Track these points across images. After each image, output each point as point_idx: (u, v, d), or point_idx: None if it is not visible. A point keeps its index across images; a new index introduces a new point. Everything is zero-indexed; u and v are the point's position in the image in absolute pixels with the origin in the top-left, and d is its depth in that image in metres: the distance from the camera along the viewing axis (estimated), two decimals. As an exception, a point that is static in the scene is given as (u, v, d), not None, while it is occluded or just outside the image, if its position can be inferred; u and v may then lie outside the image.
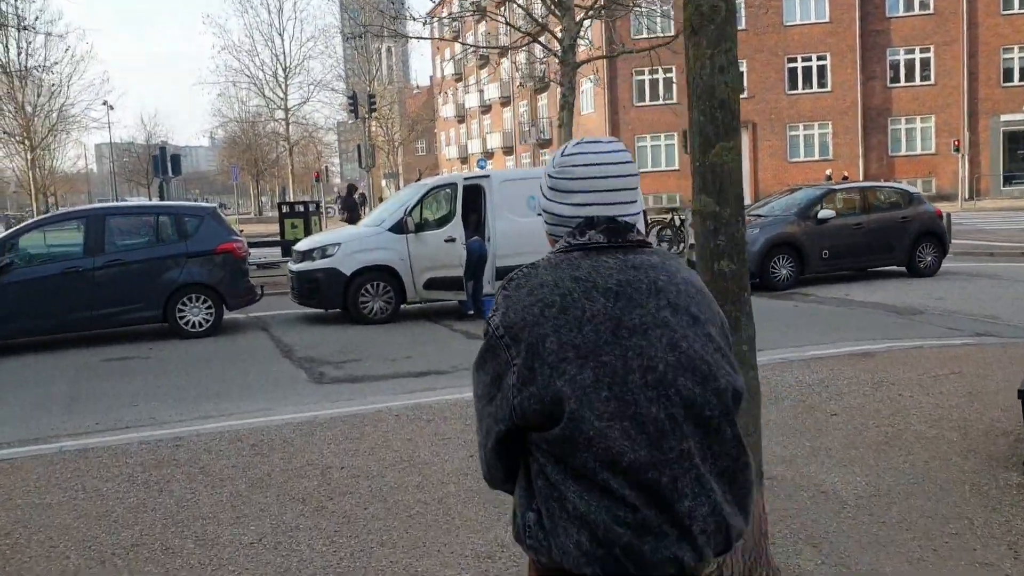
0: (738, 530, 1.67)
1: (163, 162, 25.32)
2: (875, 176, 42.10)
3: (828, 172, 40.70)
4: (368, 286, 12.06)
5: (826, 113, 42.89)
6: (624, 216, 1.73)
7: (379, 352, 10.04)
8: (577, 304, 1.60)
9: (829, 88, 42.88)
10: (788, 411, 6.32)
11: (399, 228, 12.11)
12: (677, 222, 20.33)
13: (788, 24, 42.97)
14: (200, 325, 11.55)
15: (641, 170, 42.05)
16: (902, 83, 42.44)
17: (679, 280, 1.69)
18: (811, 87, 43.20)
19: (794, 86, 43.12)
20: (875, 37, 42.27)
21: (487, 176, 12.54)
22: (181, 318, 11.49)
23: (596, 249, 1.68)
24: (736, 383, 1.68)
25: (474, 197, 12.59)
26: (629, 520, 1.56)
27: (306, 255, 12.37)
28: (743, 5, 39.39)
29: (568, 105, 20.36)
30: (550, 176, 1.78)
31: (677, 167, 43.16)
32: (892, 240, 14.49)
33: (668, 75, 41.80)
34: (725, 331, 1.74)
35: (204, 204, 14.27)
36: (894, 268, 14.98)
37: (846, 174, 41.15)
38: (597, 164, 1.72)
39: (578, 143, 1.76)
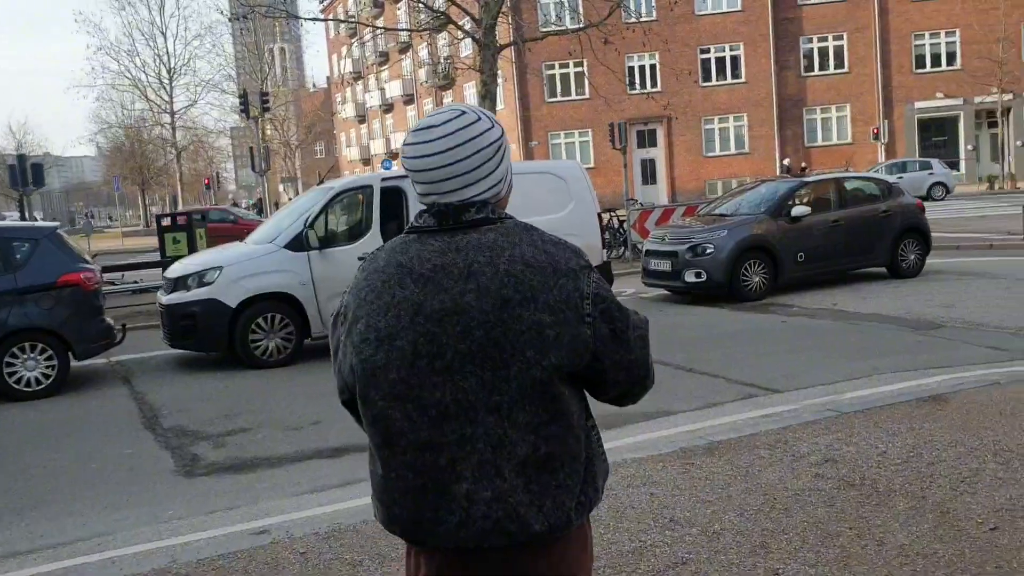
0: (541, 527, 1.64)
1: (22, 173, 21.93)
2: (792, 169, 41.16)
3: (786, 162, 39.52)
4: (260, 320, 9.50)
5: (741, 105, 41.74)
6: (462, 201, 1.69)
7: (277, 413, 7.54)
8: (390, 290, 1.66)
9: (743, 79, 41.74)
10: (908, 517, 4.14)
11: (298, 244, 9.59)
12: (616, 223, 18.24)
13: (700, 14, 41.63)
14: (38, 382, 8.80)
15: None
16: (816, 72, 41.60)
17: (503, 260, 1.65)
18: (725, 78, 42.00)
19: (708, 78, 41.84)
20: (787, 25, 41.31)
21: (407, 176, 10.15)
22: (11, 375, 8.72)
23: (428, 232, 1.69)
24: (543, 365, 1.63)
25: (394, 202, 10.18)
26: (407, 500, 1.67)
27: (178, 283, 9.73)
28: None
29: (490, 95, 18.06)
30: (404, 167, 1.75)
31: (593, 164, 41.34)
32: (873, 238, 12.65)
33: (579, 69, 39.93)
34: (569, 305, 1.66)
35: (42, 223, 11.43)
36: (872, 270, 13.17)
37: (804, 164, 40.05)
38: (422, 156, 1.68)
39: (413, 130, 1.70)
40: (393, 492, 1.70)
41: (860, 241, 12.54)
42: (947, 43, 40.70)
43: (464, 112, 1.70)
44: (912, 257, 12.95)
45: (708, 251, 11.79)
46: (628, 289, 13.93)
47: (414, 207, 10.01)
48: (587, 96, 41.28)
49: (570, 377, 1.70)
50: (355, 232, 9.82)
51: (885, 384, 7.04)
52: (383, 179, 9.91)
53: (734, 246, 11.71)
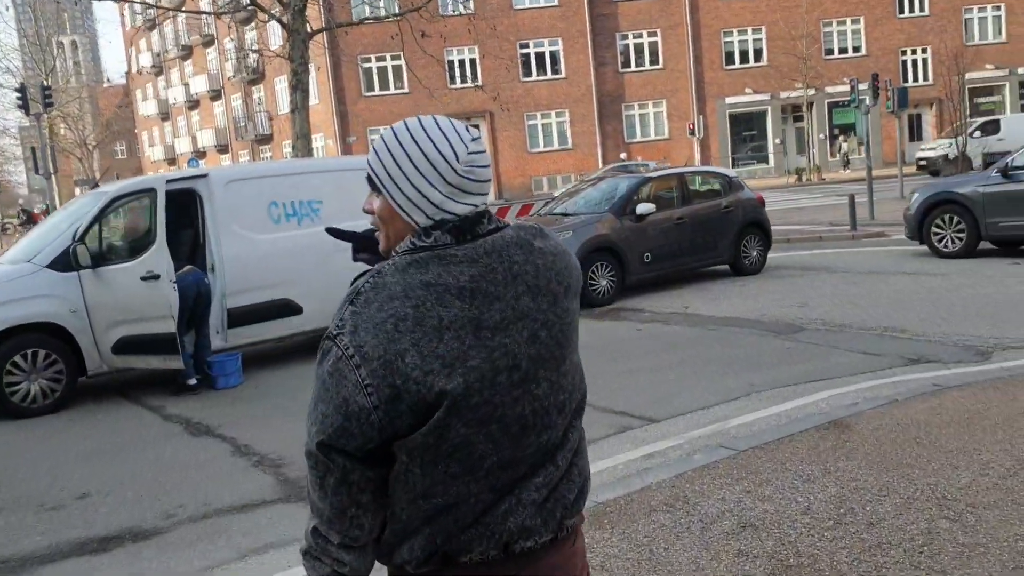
0: (583, 503, 1.66)
1: None
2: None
3: (623, 155, 39.35)
4: (18, 358, 7.62)
5: (562, 100, 41.57)
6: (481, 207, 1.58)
7: (34, 484, 5.83)
8: (432, 312, 1.46)
9: (563, 74, 41.60)
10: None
11: (66, 263, 7.76)
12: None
13: (518, 8, 41.13)
14: None
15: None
16: (633, 68, 42.00)
17: (536, 254, 1.57)
18: (545, 74, 41.70)
19: (528, 73, 41.41)
20: (604, 21, 41.48)
21: (203, 176, 8.47)
22: None
23: (444, 247, 1.52)
24: (576, 354, 1.66)
25: (186, 209, 8.52)
26: (478, 523, 1.54)
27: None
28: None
29: (302, 85, 16.41)
30: (456, 172, 1.53)
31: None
32: (716, 235, 12.05)
33: (397, 63, 38.51)
34: (578, 288, 1.66)
35: None
36: (716, 268, 12.61)
37: (666, 157, 40.04)
38: (487, 166, 1.58)
39: (474, 139, 1.57)
40: (465, 518, 1.54)
41: (704, 238, 11.91)
42: (754, 40, 42.10)
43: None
44: (754, 253, 12.46)
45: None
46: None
47: (212, 212, 8.41)
48: (406, 90, 40.01)
49: None
50: (136, 246, 8.04)
51: (769, 405, 6.19)
52: (168, 180, 8.17)
53: (580, 248, 10.75)
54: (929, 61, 42.33)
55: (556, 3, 41.17)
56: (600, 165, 41.21)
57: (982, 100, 42.98)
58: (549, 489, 1.57)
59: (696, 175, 12.83)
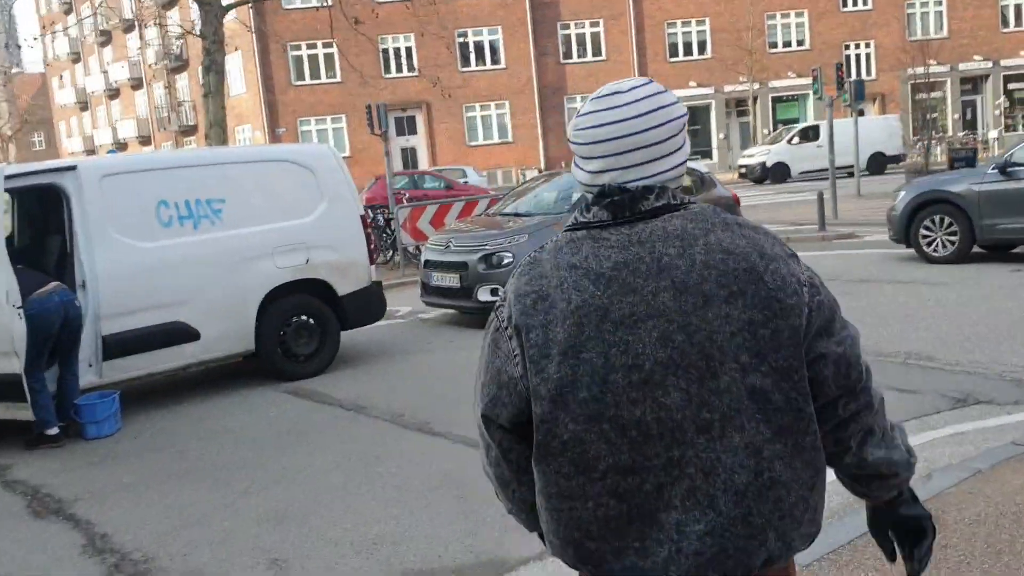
0: (761, 562, 1.43)
1: None
2: (555, 159, 40.06)
3: None
4: None
5: (503, 92, 40.04)
6: (643, 180, 1.48)
7: None
8: (565, 295, 1.45)
9: (503, 65, 40.07)
10: None
11: None
12: (381, 221, 15.34)
13: (455, -5, 39.40)
14: None
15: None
16: (575, 59, 40.66)
17: (699, 249, 1.43)
18: (485, 64, 40.12)
19: (467, 63, 39.77)
20: (545, 11, 40.04)
21: (70, 169, 6.68)
22: None
23: (599, 227, 1.48)
24: (761, 370, 1.41)
25: (47, 211, 6.75)
26: (607, 531, 1.46)
27: None
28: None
29: (216, 65, 14.54)
30: (570, 138, 1.56)
31: (348, 153, 38.11)
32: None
33: (329, 50, 36.54)
34: (779, 295, 1.42)
35: None
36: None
37: None
38: (609, 123, 1.47)
39: (594, 97, 1.51)
40: (589, 524, 1.47)
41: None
42: (698, 32, 41.13)
43: (650, 81, 1.53)
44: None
45: (506, 261, 9.24)
46: (403, 308, 11.14)
47: (83, 215, 6.64)
48: (339, 79, 38.07)
49: (792, 383, 1.43)
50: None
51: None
52: (13, 175, 6.31)
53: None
54: (873, 55, 41.88)
55: (495, -10, 39.60)
56: (542, 159, 39.83)
57: (924, 96, 42.67)
58: (714, 538, 1.41)
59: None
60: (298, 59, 38.65)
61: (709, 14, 40.63)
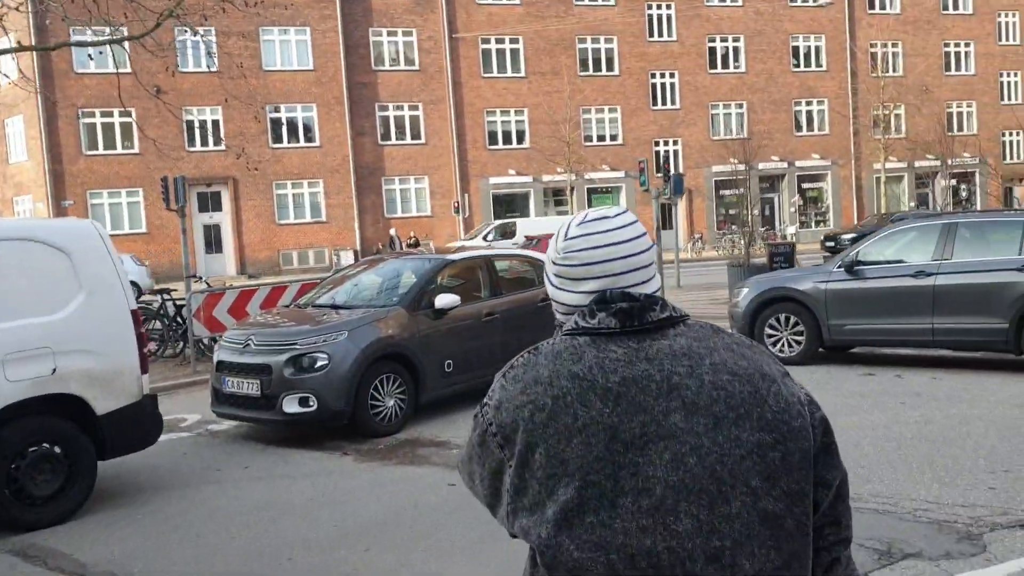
0: None
1: None
2: (371, 240, 38.64)
3: (393, 231, 36.03)
4: None
5: (316, 170, 38.38)
6: (645, 291, 1.49)
7: None
8: (569, 410, 1.37)
9: (318, 143, 38.51)
10: None
11: None
12: (171, 309, 13.28)
13: (268, 69, 37.71)
14: None
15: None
16: (393, 140, 39.71)
17: (706, 369, 1.40)
18: (298, 141, 38.43)
19: (279, 139, 37.94)
20: (362, 90, 39.03)
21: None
22: None
23: (607, 335, 1.43)
24: (830, 509, 1.42)
25: None
26: None
27: None
28: (214, 45, 33.28)
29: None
30: (554, 263, 1.54)
31: (145, 229, 35.15)
32: (532, 335, 9.44)
33: (126, 119, 33.79)
34: (784, 418, 1.38)
35: None
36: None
37: (413, 233, 36.99)
38: (606, 245, 1.48)
39: (581, 222, 1.52)
40: None
41: (518, 340, 9.19)
42: (516, 121, 41.34)
43: (626, 210, 1.55)
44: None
45: (320, 364, 7.67)
46: (190, 416, 9.24)
47: None
48: (136, 150, 35.26)
49: (803, 507, 1.39)
50: None
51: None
52: None
53: (360, 355, 7.73)
54: (680, 152, 43.54)
55: (311, 67, 38.24)
56: (358, 239, 38.25)
57: (727, 193, 44.81)
58: None
59: (503, 259, 10.20)
60: (91, 127, 35.57)
61: (527, 105, 40.99)
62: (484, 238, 31.23)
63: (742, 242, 39.43)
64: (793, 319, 10.61)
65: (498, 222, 33.69)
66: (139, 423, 6.12)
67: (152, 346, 13.24)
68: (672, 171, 17.87)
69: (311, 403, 7.59)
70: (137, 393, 6.05)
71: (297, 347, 7.75)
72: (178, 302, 13.14)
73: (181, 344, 13.06)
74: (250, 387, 7.76)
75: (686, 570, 1.31)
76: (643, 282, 1.48)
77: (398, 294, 8.63)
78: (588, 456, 1.34)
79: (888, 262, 10.17)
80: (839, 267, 10.46)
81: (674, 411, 1.35)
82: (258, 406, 7.77)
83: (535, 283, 9.83)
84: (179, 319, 13.15)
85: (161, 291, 13.40)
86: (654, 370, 1.38)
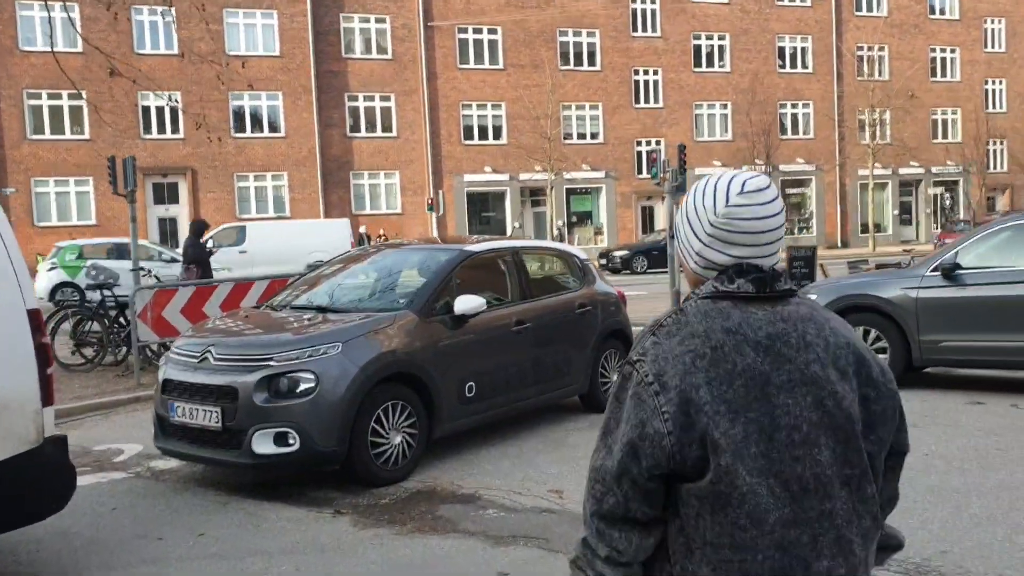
0: None
1: None
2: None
3: (363, 229, 33.57)
4: None
5: (281, 162, 36.04)
6: (772, 263, 1.69)
7: None
8: (728, 358, 1.58)
9: (283, 133, 36.17)
10: None
11: None
12: (113, 309, 11.07)
13: (231, 54, 35.28)
14: None
15: (43, 224, 30.18)
16: (363, 133, 37.48)
17: (827, 332, 1.66)
18: (262, 131, 36.06)
19: (241, 128, 35.55)
20: (331, 79, 36.76)
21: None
22: None
23: (744, 299, 1.65)
24: (898, 441, 1.74)
25: None
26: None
27: None
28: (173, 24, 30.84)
29: None
30: (711, 224, 1.67)
31: (95, 220, 32.59)
32: (569, 350, 7.45)
33: (77, 102, 31.28)
34: (884, 380, 1.69)
35: None
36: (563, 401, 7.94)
37: (383, 231, 34.65)
38: (763, 217, 1.65)
39: (742, 191, 1.64)
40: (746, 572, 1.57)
41: (553, 355, 7.25)
42: (494, 116, 39.33)
43: (769, 182, 1.70)
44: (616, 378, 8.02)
45: (304, 387, 5.61)
46: (128, 448, 7.11)
47: None
48: (87, 136, 32.77)
49: (884, 452, 1.71)
50: None
51: None
52: None
53: (358, 375, 5.68)
54: (663, 153, 41.82)
55: (277, 53, 35.90)
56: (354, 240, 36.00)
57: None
58: (847, 568, 1.58)
59: (537, 253, 8.17)
60: (37, 109, 32.96)
61: (505, 99, 39.00)
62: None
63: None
64: (874, 333, 8.75)
65: (224, 226, 29.11)
66: (37, 481, 4.03)
67: (90, 352, 11.05)
68: (681, 167, 16.01)
69: (291, 440, 5.52)
70: (34, 437, 3.96)
71: (273, 363, 5.66)
72: (121, 299, 10.94)
73: (124, 349, 10.87)
74: (207, 417, 5.66)
75: (827, 492, 1.55)
76: (775, 253, 1.68)
77: (405, 294, 6.58)
78: (748, 397, 1.55)
79: (999, 267, 8.35)
80: (933, 270, 8.62)
81: (813, 362, 1.59)
82: (218, 443, 5.67)
83: (570, 285, 7.82)
84: (122, 320, 10.96)
85: (100, 286, 11.18)
86: (791, 329, 1.61)
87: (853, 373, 1.61)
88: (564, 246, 8.66)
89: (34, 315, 3.96)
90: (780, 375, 1.56)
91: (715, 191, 1.64)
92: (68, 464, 4.19)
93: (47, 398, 3.98)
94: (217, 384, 5.69)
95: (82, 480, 5.95)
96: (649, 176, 16.27)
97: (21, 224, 32.07)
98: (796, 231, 44.01)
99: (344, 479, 5.86)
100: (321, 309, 6.57)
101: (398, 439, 5.95)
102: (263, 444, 5.52)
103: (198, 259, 14.81)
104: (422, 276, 6.77)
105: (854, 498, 1.57)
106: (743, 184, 1.64)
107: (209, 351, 5.91)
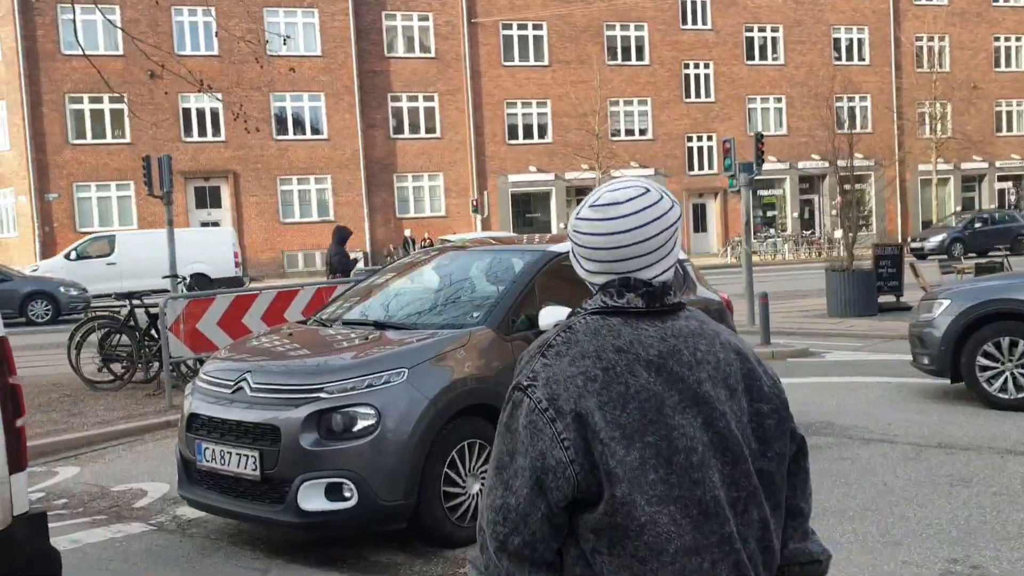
0: None
1: None
2: (383, 242, 35.48)
3: (407, 232, 32.65)
4: None
5: (324, 165, 35.21)
6: (651, 277, 1.59)
7: None
8: (620, 379, 1.52)
9: (326, 135, 35.34)
10: None
11: None
12: (143, 320, 10.07)
13: (273, 55, 34.47)
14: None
15: (85, 229, 29.45)
16: (407, 134, 36.52)
17: (718, 347, 1.60)
18: (304, 133, 35.26)
19: (284, 130, 34.77)
20: (374, 79, 35.87)
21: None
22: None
23: (635, 314, 1.57)
24: (767, 456, 1.61)
25: None
26: None
27: None
28: (213, 28, 30.15)
29: None
30: (569, 236, 1.66)
31: (136, 226, 31.94)
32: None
33: (118, 105, 30.68)
34: (775, 391, 1.63)
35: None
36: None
37: (428, 234, 33.77)
38: (610, 233, 1.56)
39: (593, 204, 1.59)
40: None
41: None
42: (539, 114, 38.18)
43: (648, 190, 1.60)
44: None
45: (363, 425, 4.48)
46: (153, 488, 6.03)
47: None
48: (128, 140, 32.21)
49: (786, 466, 1.65)
50: None
51: None
52: None
53: (428, 409, 4.53)
54: (715, 149, 40.34)
55: (319, 53, 35.07)
56: (368, 240, 35.08)
57: (765, 193, 41.66)
58: None
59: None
60: (78, 113, 32.49)
61: (550, 96, 37.84)
62: (67, 257, 25.24)
63: (785, 245, 36.28)
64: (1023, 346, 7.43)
65: (92, 236, 27.05)
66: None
67: (118, 367, 10.07)
68: (759, 159, 14.69)
69: (347, 493, 4.38)
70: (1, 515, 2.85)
71: (323, 396, 4.53)
72: (152, 310, 9.93)
73: (156, 365, 9.86)
74: (243, 462, 4.55)
75: (725, 516, 1.50)
76: (646, 267, 1.56)
77: (479, 306, 5.40)
78: (644, 420, 1.48)
79: None
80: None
81: (704, 381, 1.53)
82: (256, 495, 4.55)
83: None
84: (154, 332, 9.95)
85: (130, 295, 10.18)
86: (682, 345, 1.54)
87: (743, 390, 1.57)
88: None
89: (-3, 347, 2.85)
90: (673, 395, 1.51)
91: (581, 203, 1.63)
92: (48, 550, 3.07)
93: (16, 460, 2.87)
94: (254, 421, 4.57)
95: (93, 535, 4.89)
96: (724, 169, 14.91)
97: (64, 229, 31.58)
98: (855, 230, 42.23)
99: (412, 539, 4.70)
100: (379, 325, 5.43)
101: (476, 488, 4.78)
102: (312, 498, 4.38)
103: (345, 268, 13.53)
104: (496, 283, 5.59)
105: (739, 521, 1.53)
106: (598, 198, 1.60)
107: (245, 379, 4.79)
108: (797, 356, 10.96)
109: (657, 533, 1.45)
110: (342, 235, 13.94)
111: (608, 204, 1.55)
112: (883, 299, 15.32)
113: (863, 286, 14.96)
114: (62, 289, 20.86)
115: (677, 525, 1.46)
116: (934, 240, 31.65)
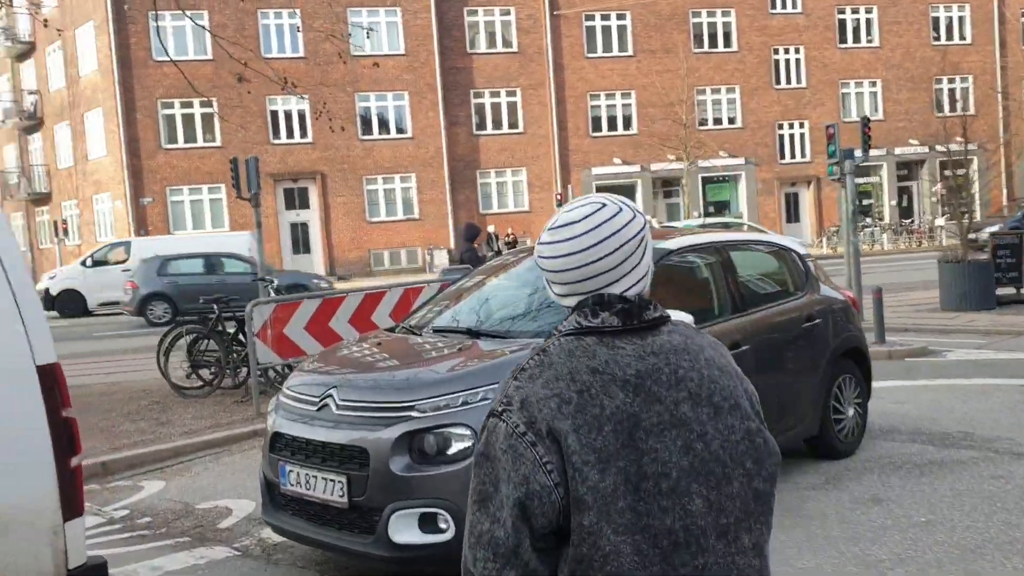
0: None
1: None
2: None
3: (491, 228, 32.60)
4: None
5: (408, 163, 35.16)
6: (621, 291, 1.54)
7: None
8: (595, 401, 1.46)
9: (410, 134, 35.28)
10: None
11: None
12: (232, 325, 9.89)
13: (357, 55, 34.60)
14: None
15: (179, 232, 29.93)
16: (489, 131, 36.21)
17: (702, 364, 1.53)
18: (389, 132, 35.28)
19: (368, 130, 34.85)
20: (456, 75, 35.66)
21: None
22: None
23: (611, 333, 1.51)
24: (762, 475, 1.52)
25: None
26: None
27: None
28: (299, 28, 30.33)
29: None
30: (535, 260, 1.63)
31: (228, 228, 32.40)
32: (797, 379, 5.64)
33: (207, 110, 31.14)
34: (754, 409, 1.57)
35: None
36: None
37: (511, 230, 33.59)
38: (561, 256, 1.53)
39: (551, 227, 1.56)
40: None
41: (777, 387, 5.43)
42: (623, 105, 37.42)
43: (604, 204, 1.56)
44: (851, 413, 6.07)
45: (459, 446, 4.05)
46: (238, 506, 5.73)
47: None
48: (218, 143, 32.69)
49: (776, 487, 1.60)
50: None
51: None
52: None
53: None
54: (807, 136, 38.92)
55: (403, 52, 35.02)
56: (451, 237, 34.91)
57: (860, 181, 39.99)
58: None
59: (748, 248, 6.32)
60: (170, 118, 33.13)
61: (635, 87, 37.06)
62: (83, 264, 25.04)
63: (884, 235, 34.65)
64: None
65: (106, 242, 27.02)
66: None
67: (207, 373, 9.92)
68: (865, 145, 13.79)
69: (443, 525, 3.96)
70: (50, 569, 2.50)
71: (415, 414, 4.12)
72: (239, 315, 9.74)
73: (244, 371, 9.67)
74: (329, 488, 4.17)
75: (700, 546, 1.42)
76: (613, 282, 1.52)
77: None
78: (617, 443, 1.41)
79: None
80: None
81: (683, 401, 1.46)
82: (344, 524, 4.17)
83: (791, 291, 6.00)
84: (242, 337, 9.76)
85: (217, 299, 10.02)
86: (662, 363, 1.47)
87: (730, 408, 1.50)
88: (780, 239, 6.83)
89: (48, 374, 2.50)
90: (650, 417, 1.44)
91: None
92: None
93: (72, 505, 2.51)
94: (341, 443, 4.18)
95: (175, 560, 4.59)
96: (828, 155, 14.07)
97: (159, 233, 32.28)
98: (969, 217, 40.23)
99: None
100: (471, 332, 4.99)
101: (584, 514, 4.32)
102: (404, 529, 3.97)
103: (476, 265, 13.32)
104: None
105: (731, 550, 1.45)
106: (555, 220, 1.56)
107: (331, 395, 4.42)
108: (915, 356, 10.15)
109: (620, 564, 1.39)
110: (471, 232, 13.64)
111: (563, 225, 1.53)
112: (1001, 291, 14.27)
113: (980, 278, 13.94)
114: (315, 281, 21.71)
115: (643, 556, 1.40)
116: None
